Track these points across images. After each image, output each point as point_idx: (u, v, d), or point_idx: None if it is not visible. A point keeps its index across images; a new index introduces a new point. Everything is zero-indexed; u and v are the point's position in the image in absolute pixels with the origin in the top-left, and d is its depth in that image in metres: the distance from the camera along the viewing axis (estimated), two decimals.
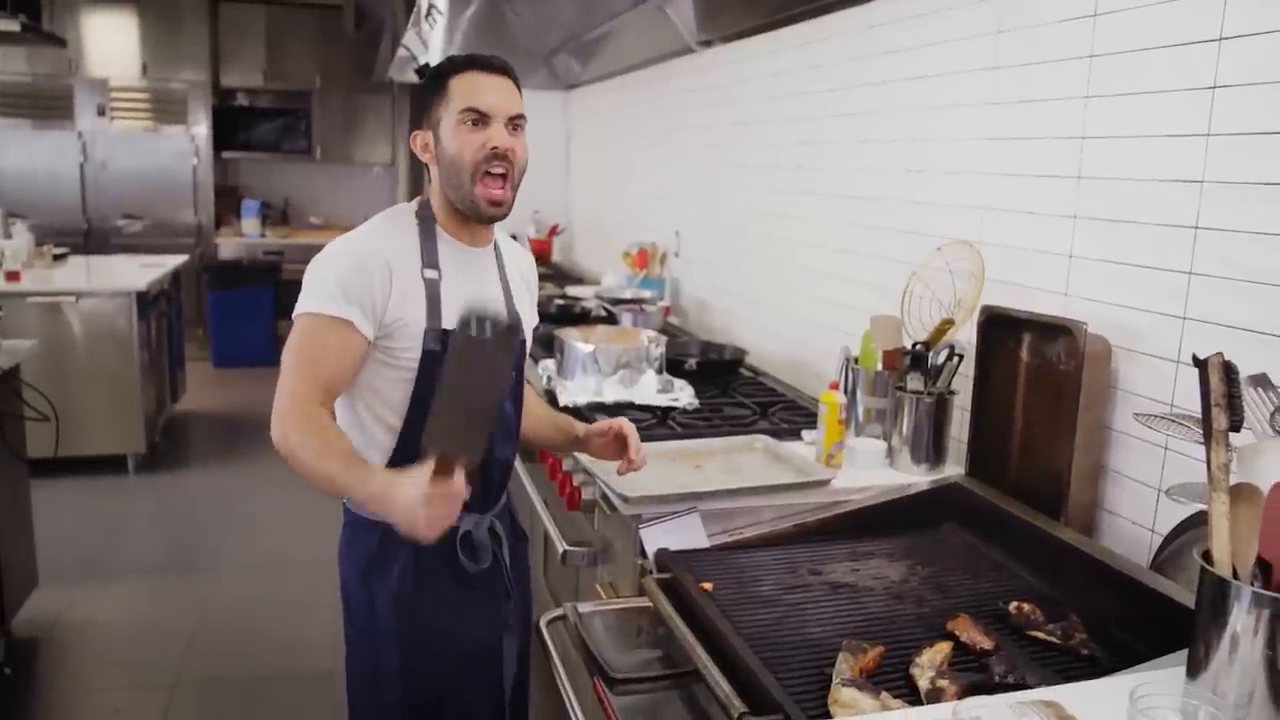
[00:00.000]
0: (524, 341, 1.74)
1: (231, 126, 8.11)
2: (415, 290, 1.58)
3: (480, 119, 1.57)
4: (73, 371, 4.77)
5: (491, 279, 1.71)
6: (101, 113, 7.46)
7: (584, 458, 1.93)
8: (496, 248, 1.74)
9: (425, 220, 1.65)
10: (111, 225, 7.58)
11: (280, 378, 1.54)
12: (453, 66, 1.61)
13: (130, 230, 7.62)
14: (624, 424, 1.76)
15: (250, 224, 7.94)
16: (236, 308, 7.28)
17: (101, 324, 4.83)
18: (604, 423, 1.79)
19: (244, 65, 8.05)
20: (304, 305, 1.56)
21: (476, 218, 1.63)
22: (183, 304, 6.25)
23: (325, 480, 1.46)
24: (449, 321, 1.59)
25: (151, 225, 7.65)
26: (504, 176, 1.60)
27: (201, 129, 7.69)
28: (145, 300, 4.95)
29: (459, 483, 1.32)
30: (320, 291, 1.55)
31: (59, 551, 3.82)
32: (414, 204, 1.68)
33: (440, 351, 1.57)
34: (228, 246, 7.85)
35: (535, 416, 1.87)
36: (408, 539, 1.38)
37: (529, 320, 1.80)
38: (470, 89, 1.58)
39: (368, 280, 1.54)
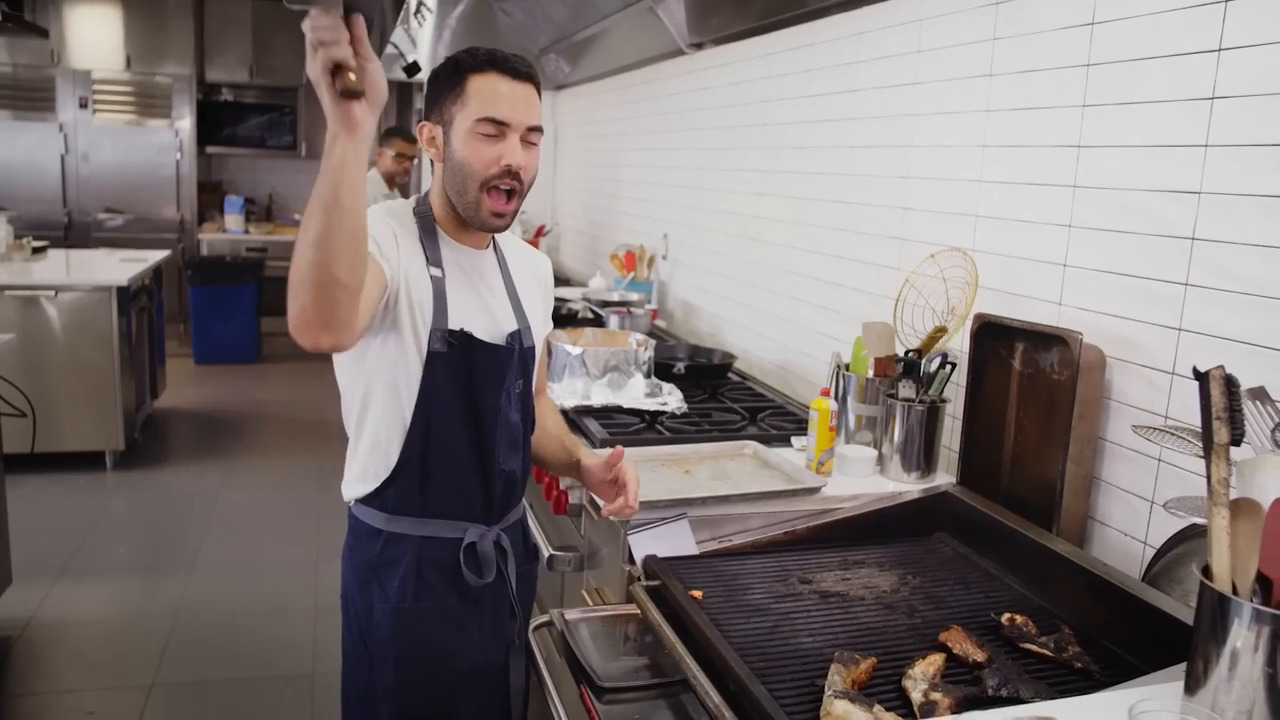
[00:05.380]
0: (532, 348, 1.67)
1: (216, 121, 8.06)
2: (421, 283, 1.52)
3: (497, 131, 1.51)
4: (51, 367, 4.71)
5: (495, 280, 1.66)
6: (84, 105, 7.39)
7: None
8: (496, 248, 1.69)
9: (424, 218, 1.59)
10: (93, 219, 7.51)
11: None
12: (474, 63, 1.52)
13: (111, 224, 7.55)
14: (627, 469, 1.65)
15: (234, 220, 7.89)
16: (218, 304, 7.22)
17: (81, 319, 4.76)
18: (608, 460, 1.67)
19: (229, 60, 8.00)
20: None
21: (476, 226, 1.58)
22: (164, 300, 6.19)
23: (321, 210, 1.17)
24: (455, 322, 1.54)
25: (133, 219, 7.59)
26: (511, 192, 1.54)
27: (185, 123, 7.63)
28: (126, 295, 4.89)
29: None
30: None
31: (34, 549, 3.77)
32: (411, 201, 1.63)
33: (446, 353, 1.53)
34: (210, 242, 7.79)
35: (546, 432, 1.80)
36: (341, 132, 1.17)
37: (540, 325, 1.73)
38: (490, 95, 1.50)
39: (379, 228, 1.45)
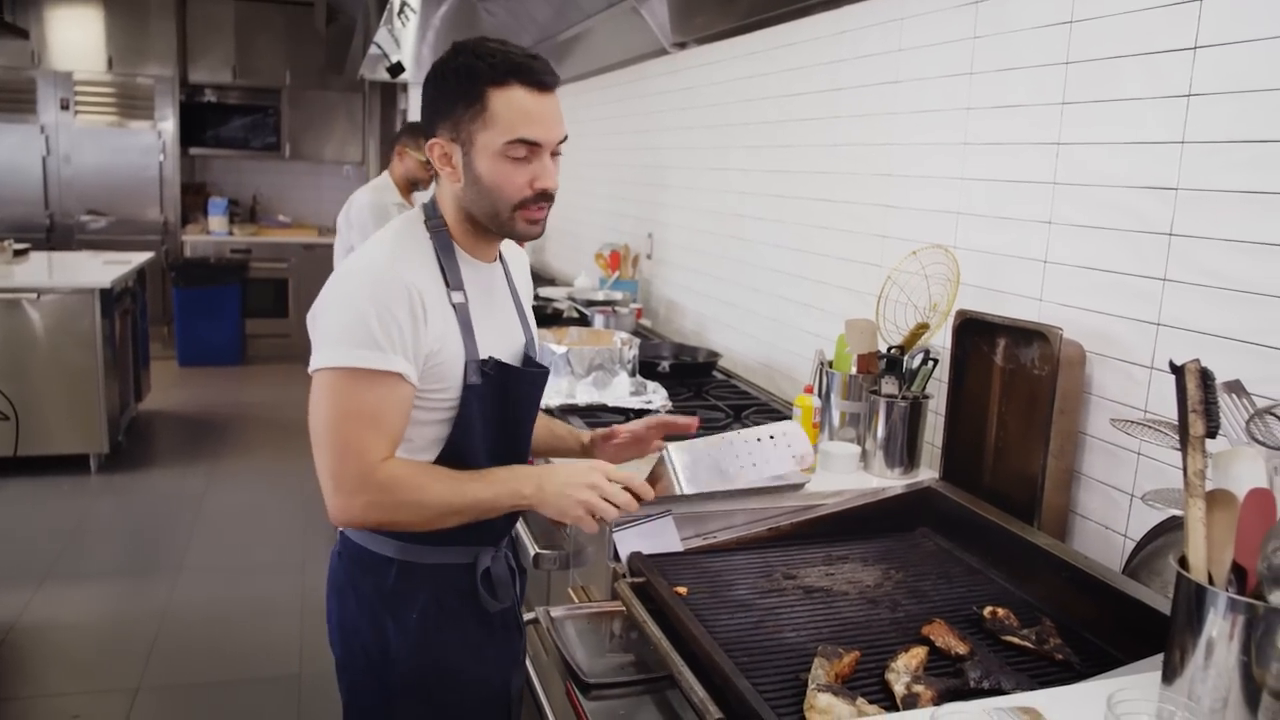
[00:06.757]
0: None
1: (199, 123, 8.02)
2: (448, 319, 1.41)
3: (528, 152, 1.38)
4: (34, 370, 4.69)
5: (503, 293, 1.58)
6: (65, 106, 7.34)
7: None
8: (501, 258, 1.59)
9: (440, 234, 1.46)
10: (75, 221, 7.46)
11: (325, 451, 1.34)
12: (493, 74, 1.36)
13: (94, 226, 7.50)
14: (646, 421, 1.70)
15: (217, 222, 7.85)
16: (203, 306, 7.20)
17: (64, 321, 4.74)
18: (610, 429, 1.70)
19: (212, 61, 7.96)
20: (335, 358, 1.33)
21: (512, 238, 1.52)
22: (148, 302, 6.16)
23: (468, 509, 1.39)
24: (484, 349, 1.44)
25: (116, 222, 7.54)
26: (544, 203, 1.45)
27: (168, 125, 7.59)
28: (109, 298, 4.87)
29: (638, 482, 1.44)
30: (353, 340, 1.32)
31: (18, 552, 3.75)
32: (419, 214, 1.50)
33: (480, 384, 1.42)
34: (194, 244, 7.75)
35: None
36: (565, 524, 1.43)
37: (531, 324, 1.67)
38: (519, 115, 1.36)
39: (409, 321, 1.33)
